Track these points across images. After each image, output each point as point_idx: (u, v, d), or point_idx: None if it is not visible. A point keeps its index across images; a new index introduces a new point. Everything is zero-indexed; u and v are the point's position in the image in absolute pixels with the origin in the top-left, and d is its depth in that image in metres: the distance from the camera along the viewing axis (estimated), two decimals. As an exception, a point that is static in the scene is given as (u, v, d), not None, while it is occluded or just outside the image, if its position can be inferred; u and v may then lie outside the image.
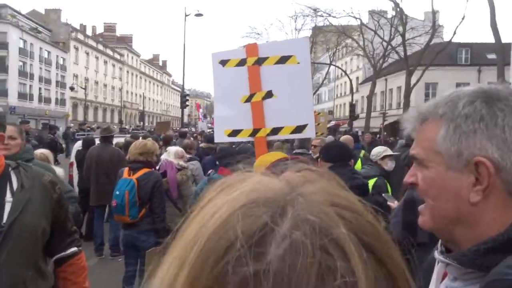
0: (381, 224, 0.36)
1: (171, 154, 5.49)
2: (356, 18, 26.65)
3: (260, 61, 2.81)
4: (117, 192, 4.04)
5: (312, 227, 0.32)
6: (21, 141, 2.98)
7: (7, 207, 1.56)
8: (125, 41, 73.58)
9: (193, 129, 29.84)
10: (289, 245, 0.31)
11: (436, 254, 0.84)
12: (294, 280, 0.30)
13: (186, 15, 26.38)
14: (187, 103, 27.19)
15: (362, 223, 0.34)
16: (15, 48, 42.61)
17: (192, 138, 11.13)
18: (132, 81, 72.66)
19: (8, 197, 1.60)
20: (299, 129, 2.75)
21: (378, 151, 4.45)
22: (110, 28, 72.87)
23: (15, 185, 1.63)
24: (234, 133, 2.86)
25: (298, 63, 2.77)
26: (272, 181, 0.38)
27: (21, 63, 43.96)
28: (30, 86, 45.35)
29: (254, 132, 2.79)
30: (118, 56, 66.80)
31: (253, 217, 0.33)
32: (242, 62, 2.85)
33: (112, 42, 68.03)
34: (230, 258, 0.31)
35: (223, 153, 3.98)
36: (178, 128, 22.36)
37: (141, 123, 43.87)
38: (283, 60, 2.77)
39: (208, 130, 16.96)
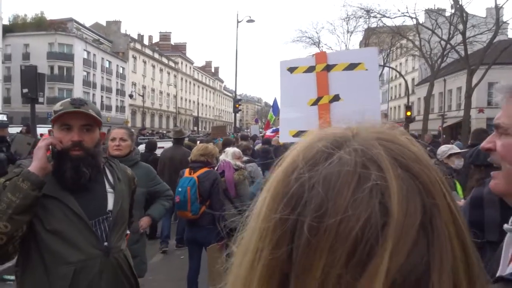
0: (426, 156, 0.43)
1: (229, 155, 5.71)
2: (412, 18, 25.81)
3: (328, 68, 2.93)
4: (180, 189, 4.29)
5: (355, 150, 0.41)
6: (131, 143, 3.32)
7: (110, 197, 1.80)
8: (179, 49, 76.19)
9: (247, 132, 30.20)
10: (336, 160, 0.40)
11: (506, 226, 0.91)
12: (339, 182, 0.39)
13: (238, 22, 26.94)
14: (239, 108, 27.69)
15: (402, 150, 0.42)
16: (80, 59, 45.57)
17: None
18: (186, 88, 75.04)
19: (108, 188, 1.82)
20: None
21: (444, 150, 4.38)
22: (165, 37, 75.82)
23: (110, 177, 1.86)
24: (299, 133, 2.98)
25: (366, 69, 2.85)
26: (336, 129, 0.48)
27: (85, 73, 46.93)
28: (93, 94, 48.26)
29: (320, 133, 2.89)
30: (172, 64, 69.33)
31: (313, 148, 0.43)
32: (310, 69, 2.99)
33: (167, 50, 70.73)
34: (294, 175, 0.42)
35: (279, 154, 4.06)
36: (231, 133, 22.83)
37: (195, 128, 45.15)
38: (351, 66, 2.87)
39: (260, 135, 17.20)
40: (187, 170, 4.51)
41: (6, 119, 30.78)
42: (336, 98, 2.88)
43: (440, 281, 0.36)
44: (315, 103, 2.93)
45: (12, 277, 5.16)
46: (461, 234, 0.39)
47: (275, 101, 18.04)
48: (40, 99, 8.84)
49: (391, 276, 0.35)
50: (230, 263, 0.47)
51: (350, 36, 32.95)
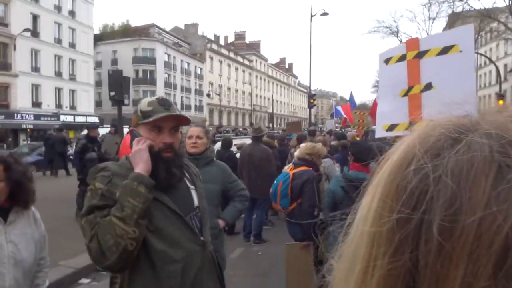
0: None
1: None
2: (505, -2, 23.44)
3: (420, 55, 2.69)
4: (275, 182, 4.50)
5: (488, 134, 0.33)
6: (207, 140, 3.36)
7: (193, 193, 1.82)
8: (254, 47, 77.28)
9: (321, 127, 29.75)
10: (465, 147, 0.33)
11: None
12: (473, 172, 0.32)
13: (312, 16, 26.51)
14: (313, 103, 27.30)
15: None
16: (161, 62, 48.20)
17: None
18: (260, 85, 75.96)
19: (189, 184, 1.83)
20: None
21: None
22: (240, 36, 77.38)
23: (187, 174, 1.86)
24: (391, 127, 2.79)
25: (461, 51, 2.55)
26: (451, 116, 0.39)
27: (166, 75, 49.55)
28: (174, 95, 50.76)
29: (411, 125, 2.65)
30: (247, 62, 70.55)
31: (431, 136, 0.36)
32: (402, 58, 2.79)
33: (242, 49, 72.16)
34: (412, 166, 0.35)
35: (359, 148, 3.85)
36: (306, 128, 22.57)
37: (270, 124, 45.50)
38: (445, 50, 2.59)
39: (336, 129, 16.77)
40: (290, 166, 4.63)
41: (97, 121, 33.59)
42: (428, 86, 2.61)
43: None
44: (405, 93, 2.69)
45: (105, 268, 5.53)
46: None
47: (351, 95, 17.52)
48: (126, 101, 9.40)
49: None
50: (330, 278, 0.41)
51: (432, 23, 30.91)
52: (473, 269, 0.30)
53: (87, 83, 39.11)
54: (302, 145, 5.94)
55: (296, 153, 5.67)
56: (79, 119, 35.89)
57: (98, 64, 44.97)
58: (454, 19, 29.27)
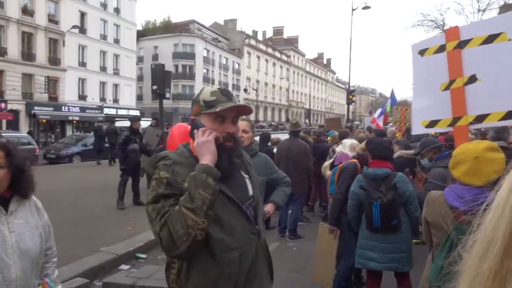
0: None
1: (346, 146, 5.61)
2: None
3: (461, 44, 2.54)
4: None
5: None
6: (252, 134, 3.45)
7: (248, 183, 1.83)
8: (292, 42, 76.73)
9: (358, 124, 29.17)
10: None
11: None
12: None
13: (353, 9, 26.01)
14: (352, 99, 26.81)
15: None
16: (200, 58, 48.87)
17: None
18: (298, 81, 75.41)
19: (244, 174, 1.84)
20: (511, 114, 2.37)
21: None
22: (278, 31, 77.02)
23: (242, 164, 1.86)
24: (432, 123, 2.68)
25: (510, 39, 2.39)
26: None
27: (205, 70, 50.19)
28: (212, 90, 51.35)
29: (454, 121, 2.55)
30: (285, 58, 70.18)
31: None
32: (441, 49, 2.64)
33: (280, 44, 71.83)
34: None
35: (374, 145, 3.78)
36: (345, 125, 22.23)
37: (307, 120, 45.15)
38: (490, 39, 2.44)
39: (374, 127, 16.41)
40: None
41: (139, 114, 34.62)
42: (472, 79, 2.49)
43: None
44: (447, 87, 2.57)
45: (144, 255, 5.71)
46: None
47: (392, 92, 17.08)
48: (167, 95, 9.63)
49: None
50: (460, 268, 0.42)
51: (482, 15, 29.27)
52: None
53: (129, 78, 40.36)
54: (345, 140, 5.94)
55: (339, 148, 5.71)
56: (121, 112, 37.11)
57: (140, 59, 46.22)
58: (507, 11, 27.73)
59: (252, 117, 53.75)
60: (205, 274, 1.62)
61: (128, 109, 38.48)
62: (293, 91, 72.19)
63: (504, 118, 2.43)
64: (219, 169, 1.60)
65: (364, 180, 3.69)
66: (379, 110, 12.80)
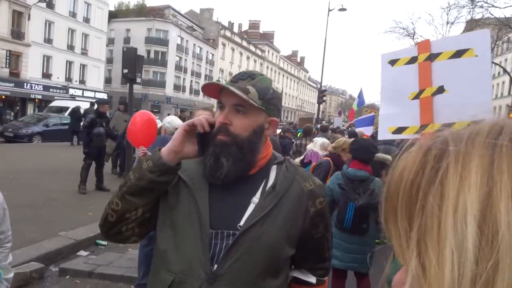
0: None
1: (317, 145, 5.72)
2: (526, 8, 23.08)
3: (432, 57, 2.66)
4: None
5: None
6: None
7: (250, 208, 1.32)
8: (267, 37, 76.80)
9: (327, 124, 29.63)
10: None
11: None
12: None
13: (329, 10, 26.30)
14: (324, 98, 27.19)
15: None
16: (174, 45, 48.05)
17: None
18: (271, 76, 75.50)
19: (257, 196, 1.35)
20: None
21: None
22: (254, 25, 76.87)
23: (271, 183, 1.38)
24: (399, 130, 2.77)
25: (476, 56, 2.53)
26: None
27: (177, 58, 49.42)
28: (184, 79, 50.70)
29: (421, 128, 2.66)
30: (259, 52, 70.19)
31: None
32: (412, 60, 2.75)
33: (255, 38, 71.74)
34: None
35: (357, 146, 3.89)
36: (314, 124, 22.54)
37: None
38: (458, 54, 2.57)
39: (343, 127, 16.77)
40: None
41: (106, 98, 33.73)
42: (440, 90, 2.60)
43: None
44: (416, 96, 2.68)
45: (104, 242, 5.61)
46: None
47: (361, 92, 17.48)
48: (138, 80, 9.44)
49: None
50: None
51: (450, 27, 30.40)
52: None
53: (98, 59, 39.15)
54: (316, 139, 6.06)
55: (310, 146, 5.82)
56: (88, 94, 36.00)
57: (110, 41, 44.92)
58: (472, 26, 28.84)
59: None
60: (151, 275, 1.43)
61: (95, 91, 37.38)
62: (265, 86, 72.26)
63: None
64: (205, 170, 1.33)
65: (342, 179, 3.73)
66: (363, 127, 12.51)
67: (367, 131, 12.10)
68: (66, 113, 21.69)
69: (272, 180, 1.38)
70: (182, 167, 1.37)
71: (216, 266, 1.26)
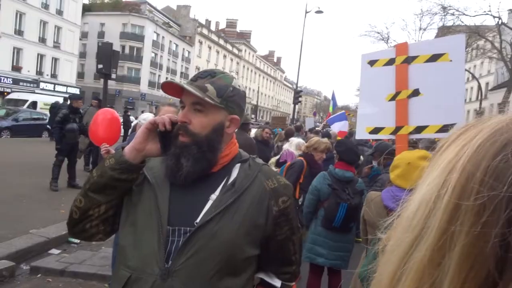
0: None
1: (293, 145, 5.80)
2: (495, 17, 24.02)
3: (409, 60, 2.76)
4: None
5: None
6: None
7: (208, 205, 1.32)
8: (244, 37, 76.76)
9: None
10: None
11: None
12: None
13: (306, 12, 26.54)
14: (299, 99, 27.43)
15: None
16: (149, 41, 47.38)
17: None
18: (247, 76, 75.67)
19: (216, 192, 1.35)
20: (446, 128, 2.62)
21: None
22: (231, 24, 76.70)
23: (232, 179, 1.37)
24: (376, 130, 2.86)
25: (451, 60, 2.64)
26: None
27: (153, 55, 48.78)
28: (159, 75, 50.07)
29: (396, 129, 2.76)
30: (236, 51, 70.09)
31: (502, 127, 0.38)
32: (390, 62, 2.84)
33: (232, 37, 71.59)
34: (509, 151, 0.35)
35: (343, 148, 3.98)
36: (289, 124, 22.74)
37: (254, 116, 45.55)
38: (434, 58, 2.68)
39: (317, 128, 16.99)
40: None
41: (78, 93, 32.95)
42: (416, 93, 2.70)
43: None
44: (393, 98, 2.77)
45: (77, 240, 5.50)
46: None
47: (333, 94, 17.80)
48: (113, 76, 9.29)
49: None
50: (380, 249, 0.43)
51: (422, 34, 31.25)
52: None
53: (71, 53, 38.15)
54: (292, 139, 6.12)
55: (285, 146, 5.87)
56: (60, 88, 35.03)
57: (84, 35, 43.88)
58: (444, 32, 29.72)
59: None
60: (113, 272, 1.42)
61: (67, 86, 36.40)
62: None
63: (440, 131, 2.67)
64: (166, 170, 1.33)
65: (330, 179, 3.78)
66: (336, 123, 12.77)
67: (342, 126, 12.33)
68: (25, 106, 21.12)
69: (237, 176, 1.37)
70: (149, 165, 1.37)
71: (170, 262, 1.26)
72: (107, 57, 9.08)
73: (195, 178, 1.33)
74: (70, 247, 5.40)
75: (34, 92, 27.86)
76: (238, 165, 1.41)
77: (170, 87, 1.38)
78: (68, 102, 9.34)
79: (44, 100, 23.04)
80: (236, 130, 1.46)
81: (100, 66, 9.11)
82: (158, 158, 1.38)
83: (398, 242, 0.41)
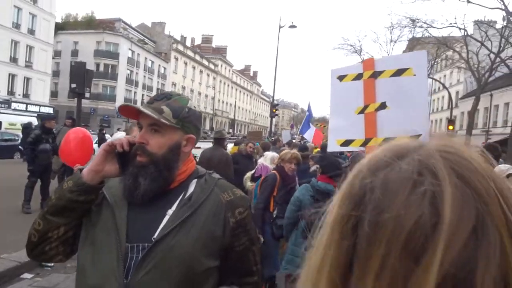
0: (482, 162, 0.47)
1: (268, 159, 5.83)
2: (461, 29, 24.96)
3: (375, 74, 2.86)
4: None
5: (413, 160, 0.46)
6: None
7: (165, 220, 1.34)
8: (220, 52, 77.26)
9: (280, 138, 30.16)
10: (396, 169, 0.46)
11: None
12: (395, 186, 0.45)
13: (280, 27, 26.98)
14: (276, 112, 27.68)
15: (461, 161, 0.45)
16: (124, 58, 47.12)
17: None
18: (224, 90, 75.93)
19: (172, 208, 1.37)
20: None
21: (502, 169, 4.11)
22: (207, 39, 77.16)
23: (188, 195, 1.41)
24: (347, 142, 2.93)
25: (414, 75, 2.75)
26: (404, 141, 0.51)
27: (128, 72, 48.47)
28: (135, 92, 49.72)
29: (366, 141, 2.83)
30: (212, 66, 70.38)
31: (377, 157, 0.50)
32: (358, 77, 2.93)
33: (208, 53, 71.92)
34: (359, 179, 0.49)
35: (326, 162, 4.04)
36: (266, 137, 22.86)
37: (231, 130, 45.58)
38: (399, 72, 2.78)
39: (294, 141, 17.12)
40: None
41: (52, 112, 32.31)
42: (383, 106, 2.79)
43: (482, 283, 0.40)
44: (362, 111, 2.86)
45: (50, 264, 5.34)
46: None
47: (309, 106, 18.01)
48: (87, 94, 9.19)
49: (444, 269, 0.40)
50: (310, 251, 0.54)
51: (394, 45, 32.20)
52: (388, 250, 0.43)
53: (44, 72, 37.50)
54: (267, 153, 6.17)
55: (260, 160, 5.91)
56: (32, 108, 34.28)
57: (57, 54, 43.29)
58: (414, 44, 30.75)
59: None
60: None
61: (40, 105, 35.65)
62: (218, 100, 72.44)
63: None
64: (124, 189, 1.35)
65: (313, 191, 3.82)
66: (308, 132, 13.08)
67: (312, 132, 12.61)
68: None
69: (193, 192, 1.41)
70: (108, 184, 1.39)
71: (130, 278, 1.27)
72: (81, 76, 8.99)
73: (153, 196, 1.35)
74: (44, 270, 5.25)
75: (4, 113, 27.14)
76: (195, 181, 1.45)
77: (127, 110, 1.43)
78: (40, 122, 9.14)
79: (10, 120, 22.49)
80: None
81: (74, 85, 9.00)
82: (117, 178, 1.39)
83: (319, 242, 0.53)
